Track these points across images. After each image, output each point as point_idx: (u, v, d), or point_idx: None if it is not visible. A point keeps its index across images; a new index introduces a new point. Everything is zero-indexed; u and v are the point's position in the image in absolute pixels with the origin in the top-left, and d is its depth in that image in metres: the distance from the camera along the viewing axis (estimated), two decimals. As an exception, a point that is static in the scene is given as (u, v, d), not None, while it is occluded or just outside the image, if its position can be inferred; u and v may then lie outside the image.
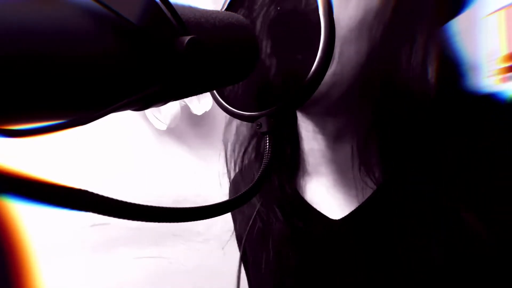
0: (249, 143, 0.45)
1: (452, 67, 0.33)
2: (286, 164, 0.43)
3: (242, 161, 0.46)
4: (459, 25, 0.34)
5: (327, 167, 0.39)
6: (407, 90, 0.31)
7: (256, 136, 0.44)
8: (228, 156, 0.47)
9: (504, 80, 0.75)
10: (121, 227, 0.93)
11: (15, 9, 0.12)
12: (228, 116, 0.47)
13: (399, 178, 0.32)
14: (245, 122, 0.45)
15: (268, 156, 0.25)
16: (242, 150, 0.45)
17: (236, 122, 0.46)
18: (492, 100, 0.33)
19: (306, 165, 0.42)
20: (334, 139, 0.37)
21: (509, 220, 0.28)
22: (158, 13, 0.17)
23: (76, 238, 0.89)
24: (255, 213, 0.43)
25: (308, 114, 0.37)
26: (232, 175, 0.48)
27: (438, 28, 0.32)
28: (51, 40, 0.13)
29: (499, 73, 0.76)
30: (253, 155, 0.45)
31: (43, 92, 0.13)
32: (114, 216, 0.15)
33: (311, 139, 0.40)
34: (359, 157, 0.34)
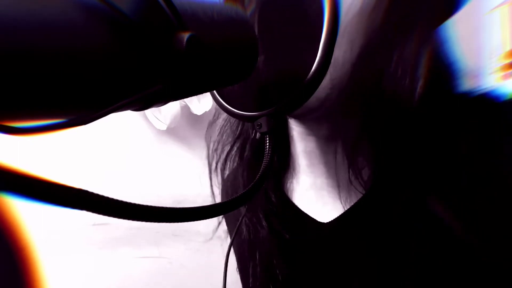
0: (233, 144, 0.44)
1: (444, 70, 0.33)
2: (273, 167, 0.42)
3: (225, 162, 0.45)
4: (458, 25, 0.34)
5: (317, 170, 0.39)
6: (395, 93, 0.30)
7: (240, 138, 0.44)
8: (210, 155, 0.46)
9: (506, 77, 0.74)
10: (122, 227, 0.93)
11: (3, 4, 0.12)
12: (214, 115, 0.46)
13: (388, 182, 0.32)
14: (230, 123, 0.45)
15: (268, 156, 0.25)
16: (226, 150, 0.45)
17: (220, 121, 0.46)
18: (487, 100, 0.33)
19: (295, 168, 0.42)
20: (325, 141, 0.37)
21: (498, 227, 0.28)
22: (155, 7, 0.16)
23: (77, 237, 0.89)
24: (240, 219, 0.42)
25: (298, 117, 0.37)
26: (213, 175, 0.47)
27: (431, 31, 0.32)
28: (44, 35, 0.13)
29: (501, 70, 0.76)
30: (237, 157, 0.44)
31: (40, 90, 0.13)
32: (114, 216, 0.15)
33: (302, 140, 0.39)
34: (348, 160, 0.34)
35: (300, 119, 0.37)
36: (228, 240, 0.52)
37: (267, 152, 0.25)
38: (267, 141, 0.25)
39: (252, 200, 0.41)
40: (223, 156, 0.45)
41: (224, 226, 0.53)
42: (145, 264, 0.96)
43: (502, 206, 0.29)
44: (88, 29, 0.14)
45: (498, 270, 0.28)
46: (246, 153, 0.43)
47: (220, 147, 0.45)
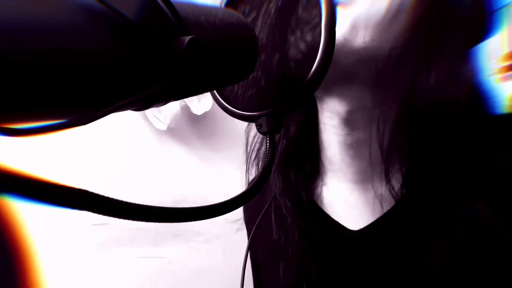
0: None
1: (476, 88, 0.34)
2: (305, 172, 0.42)
3: (258, 156, 0.46)
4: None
5: (347, 176, 0.39)
6: (434, 106, 0.31)
7: (280, 136, 0.44)
8: (248, 151, 0.47)
9: (505, 79, 0.75)
10: (121, 227, 0.93)
11: (6, 6, 0.12)
12: None
13: (420, 193, 0.32)
14: None
15: (268, 157, 0.24)
16: (263, 147, 0.46)
17: None
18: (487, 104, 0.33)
19: (325, 173, 0.42)
20: (357, 148, 0.37)
21: None
22: (156, 10, 0.16)
23: (77, 237, 0.89)
24: (258, 219, 0.42)
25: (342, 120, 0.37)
26: (250, 168, 0.48)
27: (466, 51, 0.33)
28: (45, 36, 0.13)
29: (500, 72, 0.76)
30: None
31: (41, 91, 0.13)
32: (114, 216, 0.15)
33: (333, 146, 0.39)
34: (384, 167, 0.34)
35: (342, 122, 0.37)
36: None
37: (267, 152, 0.25)
38: (267, 141, 0.25)
39: (283, 203, 0.42)
40: (261, 151, 0.46)
41: (223, 227, 0.53)
42: (145, 264, 0.96)
43: None
44: (89, 31, 0.14)
45: None
46: (281, 149, 0.44)
47: (257, 144, 0.46)
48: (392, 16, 0.29)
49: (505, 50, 0.77)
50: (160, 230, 0.98)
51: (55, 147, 0.86)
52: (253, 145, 0.46)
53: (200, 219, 0.18)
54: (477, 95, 0.33)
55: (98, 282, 0.91)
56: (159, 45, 0.17)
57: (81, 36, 0.14)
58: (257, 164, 0.47)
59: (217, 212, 0.19)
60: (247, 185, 0.51)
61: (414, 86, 0.31)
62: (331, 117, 0.37)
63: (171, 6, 0.17)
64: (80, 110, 0.15)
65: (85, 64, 0.14)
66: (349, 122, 0.36)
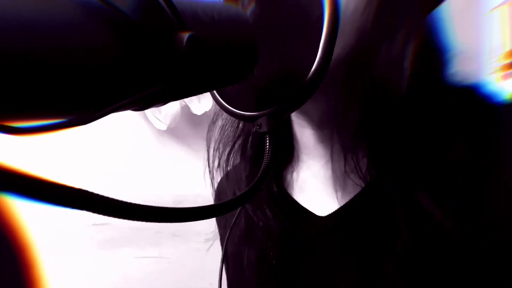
0: (235, 142, 0.44)
1: (434, 60, 0.33)
2: (274, 162, 0.43)
3: (227, 160, 0.45)
4: (457, 27, 0.34)
5: (317, 164, 0.39)
6: (385, 83, 0.31)
7: (242, 135, 0.44)
8: (211, 154, 0.46)
9: (506, 77, 0.74)
10: (121, 227, 0.93)
11: (4, 5, 0.12)
12: (213, 117, 0.47)
13: (386, 176, 0.32)
14: (231, 121, 0.45)
15: (268, 156, 0.25)
16: (227, 149, 0.45)
17: (221, 120, 0.46)
18: (484, 101, 0.33)
19: (296, 161, 0.42)
20: (323, 134, 0.38)
21: (492, 226, 0.28)
22: (154, 5, 0.16)
23: (77, 237, 0.89)
24: (238, 211, 0.42)
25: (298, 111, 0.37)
26: (215, 174, 0.47)
27: (419, 22, 0.32)
28: (45, 35, 0.13)
29: (501, 70, 0.76)
30: (238, 155, 0.45)
31: (40, 90, 0.13)
32: (114, 216, 0.15)
33: (302, 134, 0.40)
34: (345, 154, 0.34)
35: (299, 112, 0.38)
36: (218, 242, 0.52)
37: (267, 152, 0.25)
38: (267, 141, 0.25)
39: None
40: (225, 154, 0.45)
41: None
42: (145, 264, 0.96)
43: (497, 206, 0.29)
44: (88, 29, 0.14)
45: (489, 267, 0.28)
46: (248, 149, 0.43)
47: (221, 146, 0.45)
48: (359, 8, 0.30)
49: (507, 48, 0.77)
50: (160, 230, 0.98)
51: (55, 147, 0.86)
52: (217, 148, 0.45)
53: (200, 219, 0.18)
54: (434, 64, 0.33)
55: (98, 282, 0.91)
56: (159, 44, 0.17)
57: (81, 35, 0.14)
58: (225, 165, 0.46)
59: (217, 212, 0.19)
60: (212, 188, 0.50)
61: (375, 71, 0.31)
62: (300, 116, 0.38)
63: (169, 2, 0.17)
64: (80, 110, 0.15)
65: (85, 63, 0.14)
66: (318, 120, 0.37)
